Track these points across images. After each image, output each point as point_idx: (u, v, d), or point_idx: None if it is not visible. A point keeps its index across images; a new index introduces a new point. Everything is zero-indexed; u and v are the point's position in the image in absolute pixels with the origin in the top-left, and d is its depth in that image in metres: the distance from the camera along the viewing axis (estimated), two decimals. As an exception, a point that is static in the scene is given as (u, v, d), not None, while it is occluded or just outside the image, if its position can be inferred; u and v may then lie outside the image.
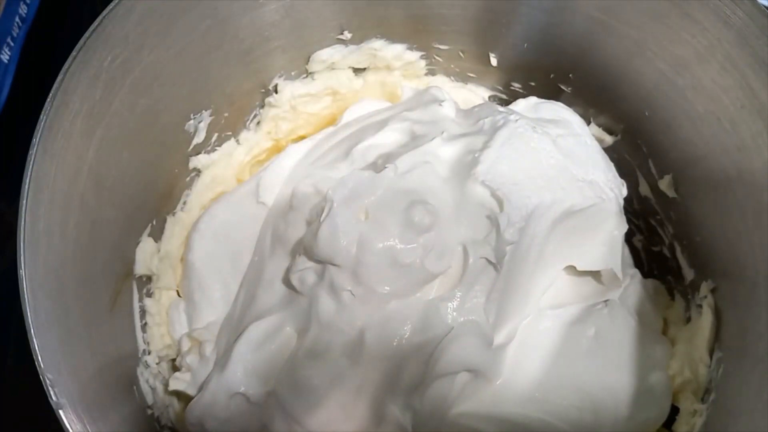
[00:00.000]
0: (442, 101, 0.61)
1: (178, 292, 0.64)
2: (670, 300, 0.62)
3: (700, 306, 0.57)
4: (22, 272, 0.43)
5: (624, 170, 0.60)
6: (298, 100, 0.68)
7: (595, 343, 0.57)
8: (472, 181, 0.53)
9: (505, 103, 0.66)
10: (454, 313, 0.51)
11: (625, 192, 0.59)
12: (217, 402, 0.52)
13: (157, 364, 0.58)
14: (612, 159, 0.60)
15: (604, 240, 0.57)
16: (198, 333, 0.59)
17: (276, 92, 0.67)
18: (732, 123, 0.50)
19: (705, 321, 0.55)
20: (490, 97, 0.71)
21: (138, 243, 0.58)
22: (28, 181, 0.44)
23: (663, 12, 0.51)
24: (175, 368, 0.59)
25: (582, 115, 0.61)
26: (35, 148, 0.44)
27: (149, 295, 0.61)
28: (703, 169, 0.54)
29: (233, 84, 0.63)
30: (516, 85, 0.68)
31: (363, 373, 0.51)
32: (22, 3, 0.76)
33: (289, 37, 0.62)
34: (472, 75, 0.70)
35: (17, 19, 0.75)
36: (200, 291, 0.61)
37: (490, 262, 0.51)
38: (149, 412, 0.56)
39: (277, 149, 0.69)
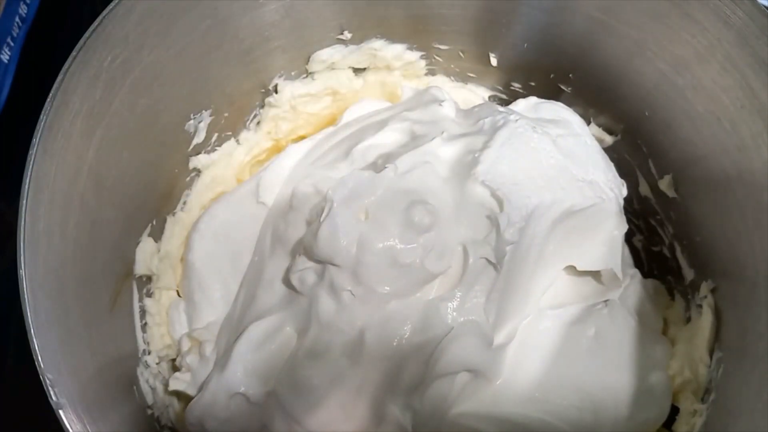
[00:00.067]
0: (442, 101, 0.61)
1: (178, 292, 0.64)
2: (670, 300, 0.62)
3: (700, 306, 0.57)
4: (22, 272, 0.43)
5: (624, 170, 0.60)
6: (298, 100, 0.68)
7: (595, 343, 0.57)
8: (472, 181, 0.53)
9: (505, 103, 0.66)
10: (454, 313, 0.51)
11: (625, 192, 0.59)
12: (217, 402, 0.52)
13: (157, 364, 0.58)
14: (612, 159, 0.60)
15: (604, 240, 0.57)
16: (198, 333, 0.59)
17: (276, 92, 0.67)
18: (732, 123, 0.50)
19: (705, 321, 0.55)
20: (490, 97, 0.71)
21: (138, 243, 0.58)
22: (28, 181, 0.44)
23: (663, 12, 0.51)
24: (175, 368, 0.59)
25: (582, 115, 0.61)
26: (35, 148, 0.44)
27: (149, 295, 0.61)
28: (703, 169, 0.54)
29: (233, 84, 0.63)
30: (516, 85, 0.68)
31: (363, 373, 0.51)
32: (22, 3, 0.76)
33: (289, 37, 0.62)
34: (472, 75, 0.70)
35: (17, 19, 0.75)
36: (200, 291, 0.61)
37: (490, 262, 0.51)
38: (149, 412, 0.56)
39: (277, 149, 0.69)
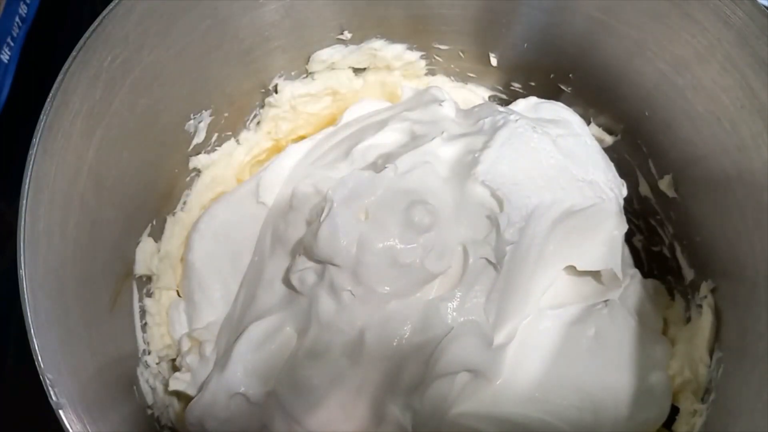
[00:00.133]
0: (442, 101, 0.61)
1: (178, 292, 0.64)
2: (670, 300, 0.62)
3: (700, 306, 0.57)
4: (22, 272, 0.43)
5: (624, 170, 0.60)
6: (298, 100, 0.68)
7: (595, 343, 0.57)
8: (472, 181, 0.53)
9: (505, 103, 0.66)
10: (454, 313, 0.51)
11: (625, 192, 0.59)
12: (217, 402, 0.52)
13: (157, 364, 0.58)
14: (612, 159, 0.60)
15: (604, 240, 0.57)
16: (198, 333, 0.59)
17: (276, 92, 0.67)
18: (732, 123, 0.50)
19: (705, 321, 0.55)
20: (490, 97, 0.71)
21: (138, 243, 0.58)
22: (28, 181, 0.44)
23: (663, 12, 0.51)
24: (175, 368, 0.59)
25: (582, 115, 0.61)
26: (35, 148, 0.44)
27: (149, 295, 0.61)
28: (703, 169, 0.54)
29: (233, 84, 0.63)
30: (516, 85, 0.68)
31: (363, 373, 0.51)
32: (22, 3, 0.76)
33: (289, 37, 0.62)
34: (472, 75, 0.70)
35: (17, 19, 0.75)
36: (200, 291, 0.61)
37: (490, 262, 0.51)
38: (149, 412, 0.56)
39: (277, 149, 0.69)
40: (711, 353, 0.55)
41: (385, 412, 0.50)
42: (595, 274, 0.58)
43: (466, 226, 0.52)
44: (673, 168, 0.58)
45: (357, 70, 0.69)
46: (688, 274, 0.60)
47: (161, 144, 0.59)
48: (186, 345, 0.59)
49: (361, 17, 0.63)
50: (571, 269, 0.58)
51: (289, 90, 0.67)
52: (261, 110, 0.68)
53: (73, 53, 0.46)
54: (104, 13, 0.47)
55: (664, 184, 0.59)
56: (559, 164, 0.55)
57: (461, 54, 0.67)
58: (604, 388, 0.55)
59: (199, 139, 0.63)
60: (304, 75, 0.67)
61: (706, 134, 0.53)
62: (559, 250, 0.56)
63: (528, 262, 0.54)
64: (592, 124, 0.63)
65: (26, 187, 0.44)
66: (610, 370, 0.56)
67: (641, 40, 0.54)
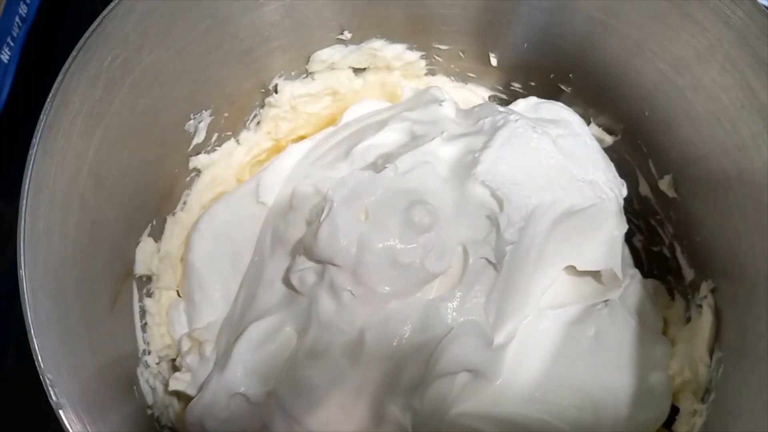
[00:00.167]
0: (442, 101, 0.61)
1: (178, 292, 0.64)
2: (670, 300, 0.62)
3: (700, 306, 0.57)
4: (22, 272, 0.43)
5: (624, 170, 0.60)
6: (298, 100, 0.68)
7: (595, 343, 0.57)
8: (472, 181, 0.53)
9: (505, 103, 0.66)
10: (454, 313, 0.51)
11: (625, 192, 0.59)
12: (217, 402, 0.52)
13: (157, 364, 0.58)
14: (612, 159, 0.60)
15: (604, 240, 0.57)
16: (198, 333, 0.59)
17: (276, 92, 0.67)
18: (732, 123, 0.50)
19: (705, 321, 0.55)
20: (490, 97, 0.71)
21: (138, 243, 0.58)
22: (28, 181, 0.44)
23: (663, 12, 0.51)
24: (175, 368, 0.59)
25: (582, 115, 0.61)
26: (35, 148, 0.44)
27: (149, 295, 0.61)
28: (703, 169, 0.54)
29: (233, 84, 0.63)
30: (516, 85, 0.68)
31: (363, 373, 0.51)
32: (22, 3, 0.76)
33: (289, 37, 0.62)
34: (472, 75, 0.70)
35: (17, 19, 0.76)
36: (200, 291, 0.61)
37: (490, 262, 0.51)
38: (149, 412, 0.56)
39: (277, 149, 0.69)
40: (711, 353, 0.55)
41: (385, 412, 0.50)
42: (595, 274, 0.58)
43: (466, 226, 0.52)
44: (673, 168, 0.58)
45: (357, 70, 0.69)
46: (688, 274, 0.60)
47: (161, 144, 0.59)
48: (186, 345, 0.59)
49: (361, 17, 0.63)
50: (571, 269, 0.58)
51: (289, 90, 0.67)
52: (261, 110, 0.68)
53: (73, 53, 0.46)
54: (104, 13, 0.47)
55: (664, 184, 0.59)
56: (559, 164, 0.55)
57: (461, 54, 0.67)
58: (604, 388, 0.55)
59: (199, 139, 0.63)
60: (304, 75, 0.67)
61: (706, 134, 0.53)
62: (559, 250, 0.56)
63: (528, 262, 0.54)
64: (592, 124, 0.63)
65: (26, 187, 0.44)
66: (610, 370, 0.56)
67: (641, 40, 0.54)
